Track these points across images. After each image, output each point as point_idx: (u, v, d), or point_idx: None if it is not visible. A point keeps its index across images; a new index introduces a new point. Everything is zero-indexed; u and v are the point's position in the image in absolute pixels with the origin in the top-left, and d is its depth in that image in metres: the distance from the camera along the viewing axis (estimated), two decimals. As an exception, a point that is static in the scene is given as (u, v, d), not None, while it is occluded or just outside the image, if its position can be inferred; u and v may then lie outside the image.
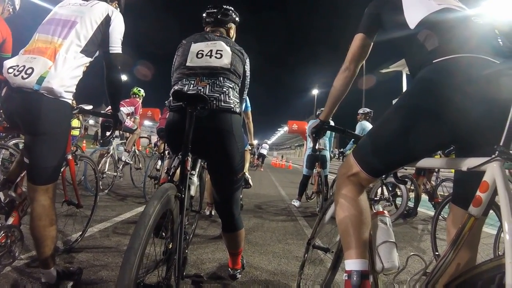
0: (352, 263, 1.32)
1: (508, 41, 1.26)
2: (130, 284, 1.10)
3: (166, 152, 5.37)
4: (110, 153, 5.90)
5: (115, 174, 6.04)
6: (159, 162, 5.82)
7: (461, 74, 1.19)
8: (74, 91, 1.98)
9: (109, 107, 2.57)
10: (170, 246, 1.62)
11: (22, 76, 1.80)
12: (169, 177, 1.70)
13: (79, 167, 2.99)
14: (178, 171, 1.71)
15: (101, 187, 5.22)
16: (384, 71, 26.46)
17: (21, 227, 2.08)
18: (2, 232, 1.94)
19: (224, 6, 2.44)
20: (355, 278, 1.27)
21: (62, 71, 1.88)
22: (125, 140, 6.63)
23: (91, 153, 5.63)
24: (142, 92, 7.21)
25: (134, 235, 1.19)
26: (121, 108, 2.42)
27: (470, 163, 1.12)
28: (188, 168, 1.71)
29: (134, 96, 7.08)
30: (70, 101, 1.96)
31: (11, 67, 1.86)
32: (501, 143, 1.03)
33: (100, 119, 6.30)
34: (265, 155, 22.90)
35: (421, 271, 1.32)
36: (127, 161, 6.48)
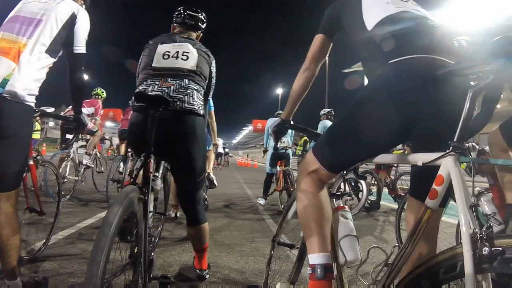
0: (315, 257, 1.34)
1: (465, 43, 1.33)
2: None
3: (129, 154, 5.27)
4: (71, 157, 5.69)
5: (77, 178, 5.83)
6: (122, 165, 5.70)
7: (416, 73, 1.25)
8: (37, 93, 1.90)
9: (69, 108, 2.48)
10: (136, 249, 1.61)
11: None
12: (131, 180, 1.68)
13: (40, 172, 2.89)
14: (141, 173, 1.70)
15: (62, 193, 5.05)
16: (346, 71, 26.78)
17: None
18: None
19: (203, 13, 2.45)
20: (319, 272, 1.30)
21: (26, 73, 1.80)
22: (85, 143, 6.42)
23: (51, 157, 5.42)
24: (105, 93, 7.04)
25: (97, 242, 1.17)
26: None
27: (425, 158, 1.18)
28: (151, 170, 1.70)
29: (96, 96, 6.87)
30: (33, 105, 1.88)
31: None
32: (455, 139, 1.10)
33: (60, 121, 6.07)
34: (222, 152, 22.27)
35: (383, 262, 1.36)
36: (88, 164, 6.24)
